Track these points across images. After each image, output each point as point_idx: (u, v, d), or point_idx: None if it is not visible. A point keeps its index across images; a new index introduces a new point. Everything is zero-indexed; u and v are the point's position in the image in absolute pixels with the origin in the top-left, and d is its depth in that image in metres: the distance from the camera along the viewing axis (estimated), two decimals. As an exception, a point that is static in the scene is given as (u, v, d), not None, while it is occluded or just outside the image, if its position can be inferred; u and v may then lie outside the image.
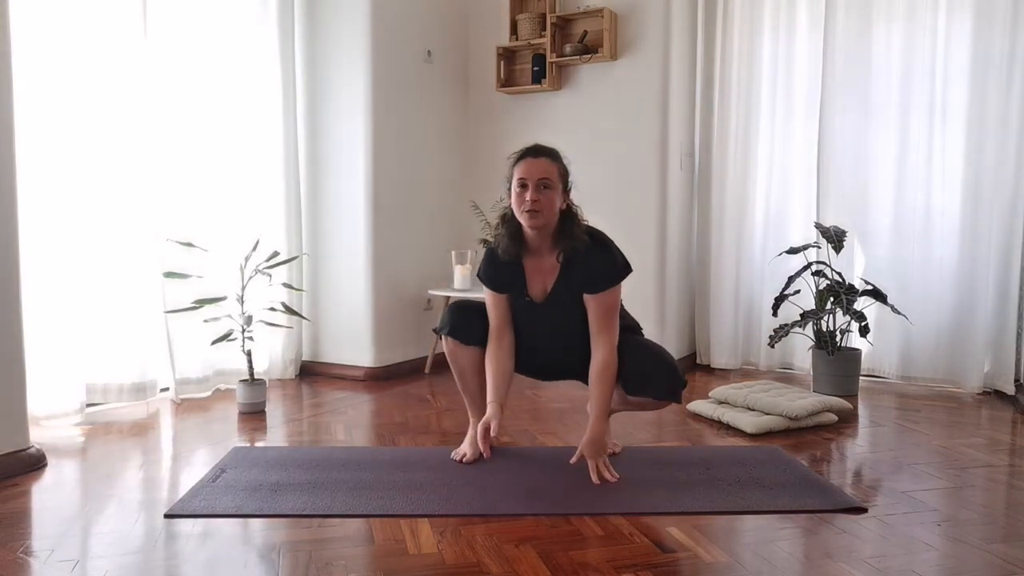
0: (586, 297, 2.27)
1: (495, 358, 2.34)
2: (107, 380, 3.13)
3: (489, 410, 2.25)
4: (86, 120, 3.00)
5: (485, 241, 3.98)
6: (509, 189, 2.26)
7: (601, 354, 2.25)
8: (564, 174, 2.26)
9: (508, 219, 2.30)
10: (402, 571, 1.66)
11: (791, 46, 3.97)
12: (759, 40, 4.03)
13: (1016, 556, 1.73)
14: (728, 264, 4.15)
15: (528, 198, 2.18)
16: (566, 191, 2.27)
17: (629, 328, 2.41)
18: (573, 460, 2.23)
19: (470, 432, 2.47)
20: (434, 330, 2.45)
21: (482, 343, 2.37)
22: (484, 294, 2.40)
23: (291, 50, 3.87)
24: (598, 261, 2.26)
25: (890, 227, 3.79)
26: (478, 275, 2.43)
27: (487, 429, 2.18)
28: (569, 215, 2.28)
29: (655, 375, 2.26)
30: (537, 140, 2.37)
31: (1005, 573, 1.65)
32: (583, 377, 2.40)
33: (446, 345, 2.42)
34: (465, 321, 2.37)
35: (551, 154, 2.26)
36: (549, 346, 2.40)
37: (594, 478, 2.18)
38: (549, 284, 2.31)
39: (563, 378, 2.53)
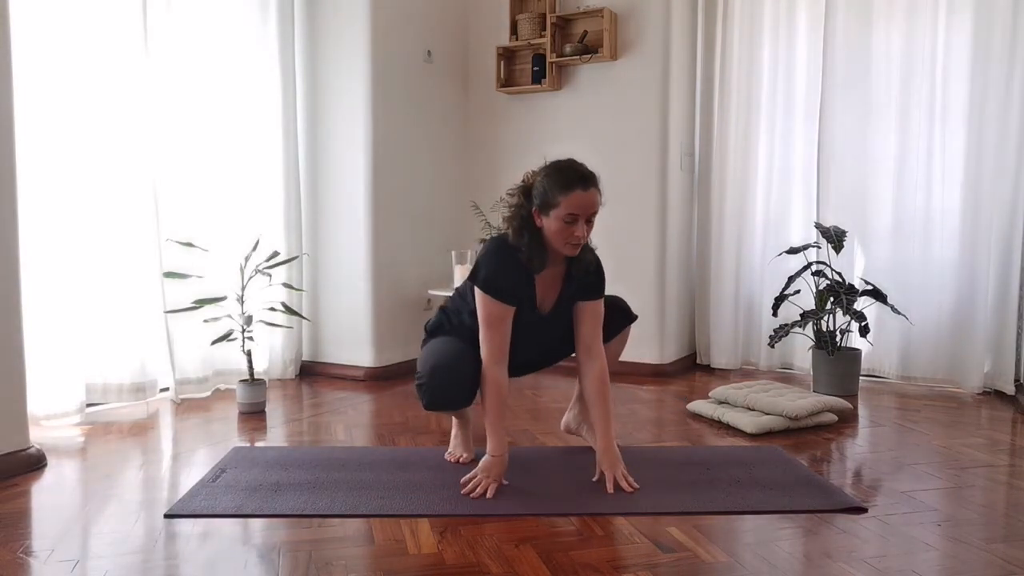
0: (581, 305, 2.25)
1: (500, 391, 2.15)
2: (107, 380, 3.13)
3: (500, 464, 2.16)
4: (85, 120, 3.00)
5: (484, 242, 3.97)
6: (539, 208, 2.10)
7: (598, 365, 2.24)
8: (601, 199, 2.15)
9: (534, 233, 2.13)
10: (402, 571, 1.66)
11: (791, 46, 3.97)
12: (759, 40, 4.03)
13: (1016, 556, 1.73)
14: (728, 264, 4.15)
15: (578, 234, 2.08)
16: None
17: None
18: (595, 478, 2.21)
19: (455, 433, 2.47)
20: (426, 407, 2.26)
21: (465, 405, 2.25)
22: (484, 308, 2.15)
23: (291, 50, 3.87)
24: (595, 274, 2.28)
25: (890, 227, 3.79)
26: (482, 284, 2.14)
27: (498, 481, 2.13)
28: None
29: (613, 316, 2.38)
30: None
31: (1005, 573, 1.65)
32: (544, 366, 2.49)
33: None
34: (451, 392, 2.20)
35: (596, 182, 2.11)
36: (533, 352, 2.38)
37: (609, 488, 2.14)
38: (554, 295, 2.26)
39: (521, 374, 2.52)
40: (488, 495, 2.08)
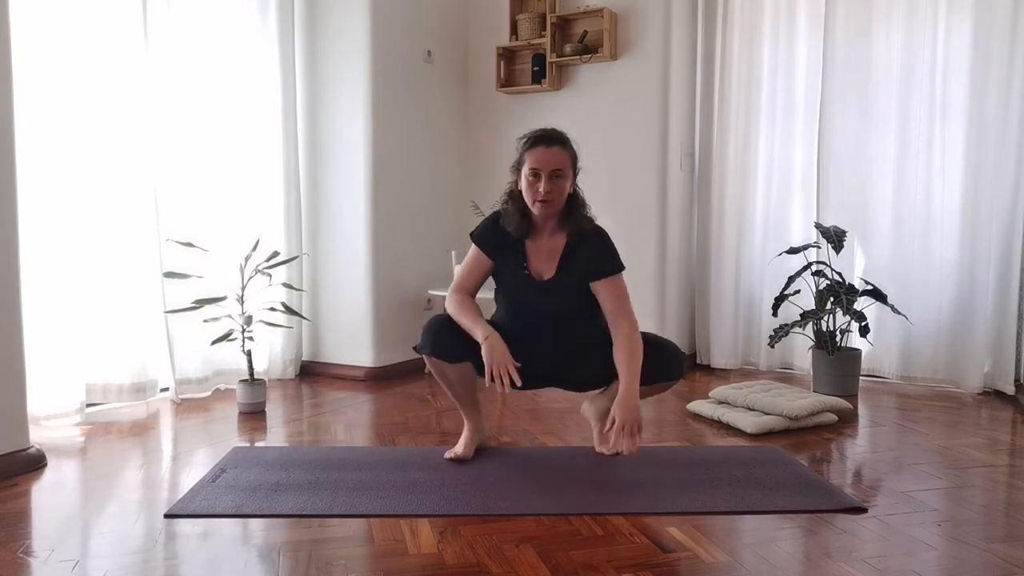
0: (596, 285, 2.29)
1: (464, 300, 2.32)
2: (107, 380, 3.13)
3: (497, 343, 2.17)
4: (86, 120, 3.00)
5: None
6: (518, 170, 2.28)
7: (624, 330, 2.24)
8: (574, 160, 2.28)
9: (516, 197, 2.31)
10: (402, 571, 1.66)
11: (791, 46, 3.97)
12: (759, 40, 4.03)
13: (1016, 556, 1.73)
14: (728, 264, 4.15)
15: (542, 189, 2.20)
16: (575, 176, 2.30)
17: None
18: (606, 429, 2.15)
19: (465, 433, 2.47)
20: (414, 348, 2.36)
21: (465, 358, 2.29)
22: (467, 256, 2.38)
23: (291, 50, 3.87)
24: (601, 248, 2.30)
25: (890, 227, 3.79)
26: (471, 234, 2.39)
27: (508, 360, 2.14)
28: (575, 198, 2.32)
29: (658, 362, 2.30)
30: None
31: (1005, 573, 1.65)
32: (571, 385, 2.44)
33: (430, 363, 2.33)
34: (447, 338, 2.29)
35: (563, 142, 2.25)
36: (545, 337, 2.34)
37: (612, 441, 2.11)
38: (552, 265, 2.31)
39: (550, 384, 2.47)
40: (516, 381, 2.13)
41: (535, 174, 2.21)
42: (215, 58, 3.51)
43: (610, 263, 2.30)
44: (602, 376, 2.38)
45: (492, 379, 2.15)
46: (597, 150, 4.01)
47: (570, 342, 2.35)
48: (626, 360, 2.21)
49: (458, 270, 2.40)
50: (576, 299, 2.31)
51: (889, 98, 3.74)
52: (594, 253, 2.29)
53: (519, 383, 2.14)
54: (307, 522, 1.93)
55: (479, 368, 2.28)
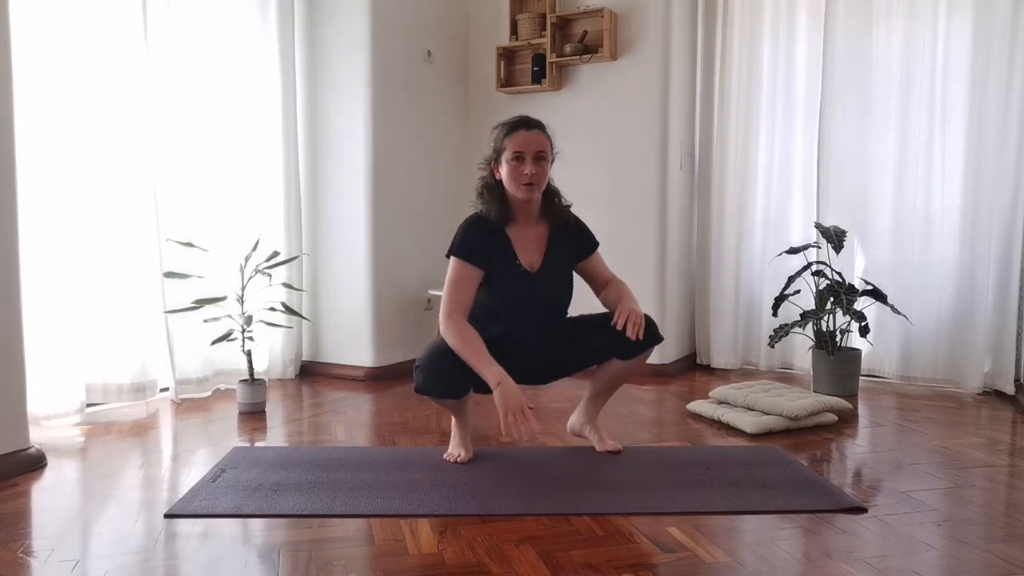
0: (586, 265, 2.42)
1: (464, 333, 2.20)
2: (107, 380, 3.13)
3: (511, 389, 2.10)
4: (86, 120, 3.00)
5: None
6: (494, 160, 2.32)
7: (617, 281, 2.43)
8: (552, 146, 2.33)
9: (492, 187, 2.34)
10: (402, 571, 1.66)
11: (791, 46, 3.97)
12: (759, 40, 4.03)
13: (1016, 556, 1.73)
14: (728, 264, 4.15)
15: (527, 171, 2.23)
16: (551, 163, 2.35)
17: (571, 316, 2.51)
18: (614, 321, 2.25)
19: (455, 433, 2.47)
20: (416, 390, 2.29)
21: (469, 389, 2.29)
22: (449, 272, 2.27)
23: (291, 50, 3.87)
24: (580, 232, 2.45)
25: (890, 227, 3.79)
26: (450, 252, 2.29)
27: (523, 406, 2.09)
28: (550, 188, 2.38)
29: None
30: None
31: (1005, 573, 1.65)
32: (571, 370, 2.48)
33: (432, 399, 2.32)
34: (452, 378, 2.25)
35: (542, 126, 2.32)
36: (543, 331, 2.38)
37: (620, 321, 2.23)
38: (539, 255, 2.35)
39: (543, 380, 2.51)
40: (536, 428, 2.09)
41: (518, 157, 2.24)
42: (215, 58, 3.51)
43: (592, 240, 2.46)
44: (596, 352, 2.42)
45: (508, 429, 2.08)
46: (597, 150, 4.01)
47: (558, 333, 2.41)
48: (623, 297, 2.35)
49: (445, 291, 2.28)
50: (561, 284, 2.41)
51: (889, 98, 3.74)
52: (576, 237, 2.42)
53: (538, 429, 2.07)
54: (307, 522, 1.93)
55: (478, 387, 2.28)
